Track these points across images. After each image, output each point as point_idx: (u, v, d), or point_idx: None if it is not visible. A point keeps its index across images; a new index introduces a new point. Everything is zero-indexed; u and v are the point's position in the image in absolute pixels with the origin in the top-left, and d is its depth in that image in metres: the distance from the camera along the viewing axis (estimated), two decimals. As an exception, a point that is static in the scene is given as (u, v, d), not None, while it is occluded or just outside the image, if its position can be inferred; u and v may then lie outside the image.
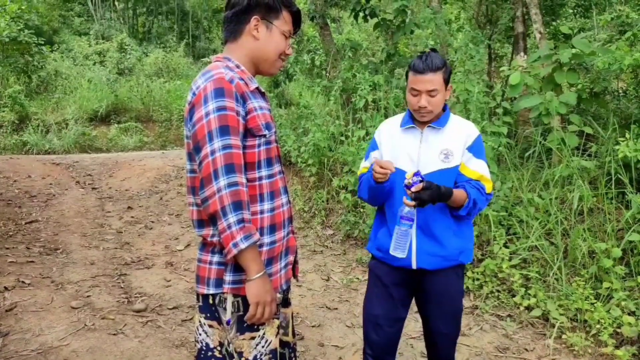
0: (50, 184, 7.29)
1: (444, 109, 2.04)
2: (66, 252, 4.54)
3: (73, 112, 12.06)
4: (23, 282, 3.64)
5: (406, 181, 1.80)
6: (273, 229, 1.57)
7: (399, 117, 2.11)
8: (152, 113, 12.83)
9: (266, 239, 1.55)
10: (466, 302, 3.68)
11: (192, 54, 18.58)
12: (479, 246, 4.02)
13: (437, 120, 1.99)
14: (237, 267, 1.47)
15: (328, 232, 5.17)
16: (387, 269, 2.05)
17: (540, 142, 4.41)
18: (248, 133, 1.51)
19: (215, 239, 1.51)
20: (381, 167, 1.83)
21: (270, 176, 1.58)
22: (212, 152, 1.41)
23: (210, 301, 1.54)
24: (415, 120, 2.02)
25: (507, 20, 7.07)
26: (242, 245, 1.39)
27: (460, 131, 1.99)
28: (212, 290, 1.53)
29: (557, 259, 3.54)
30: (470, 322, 3.40)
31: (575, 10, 8.85)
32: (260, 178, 1.55)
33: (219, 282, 1.52)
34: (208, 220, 1.51)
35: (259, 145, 1.54)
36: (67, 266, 4.16)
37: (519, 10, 6.00)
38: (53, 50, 14.59)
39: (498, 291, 3.66)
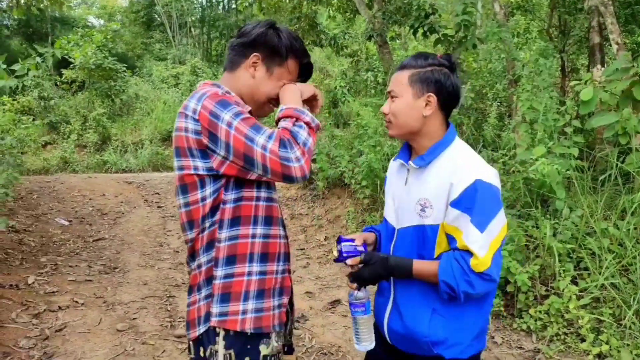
0: (122, 202, 7.71)
1: (445, 136, 1.49)
2: (123, 271, 4.70)
3: (148, 133, 12.86)
4: (77, 302, 3.79)
5: (332, 255, 1.52)
6: (265, 257, 1.44)
7: None
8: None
9: (255, 267, 1.42)
10: (528, 345, 3.32)
11: (261, 73, 19.22)
12: (542, 281, 3.63)
13: (423, 154, 1.47)
14: (224, 298, 1.37)
15: (381, 257, 4.95)
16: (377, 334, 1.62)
17: (617, 165, 3.94)
18: None
19: (203, 269, 1.40)
20: None
21: (268, 199, 1.46)
22: (264, 147, 1.28)
23: (202, 354, 1.41)
24: (411, 153, 1.57)
25: (581, 31, 6.52)
26: (313, 123, 1.39)
27: (448, 175, 1.40)
28: (202, 329, 1.41)
29: (635, 300, 3.10)
30: (530, 368, 3.05)
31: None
32: (258, 198, 1.42)
33: (208, 316, 1.40)
34: (199, 250, 1.41)
35: None
36: (121, 286, 4.29)
37: (595, 20, 5.50)
38: (134, 75, 15.69)
39: (565, 334, 3.27)
